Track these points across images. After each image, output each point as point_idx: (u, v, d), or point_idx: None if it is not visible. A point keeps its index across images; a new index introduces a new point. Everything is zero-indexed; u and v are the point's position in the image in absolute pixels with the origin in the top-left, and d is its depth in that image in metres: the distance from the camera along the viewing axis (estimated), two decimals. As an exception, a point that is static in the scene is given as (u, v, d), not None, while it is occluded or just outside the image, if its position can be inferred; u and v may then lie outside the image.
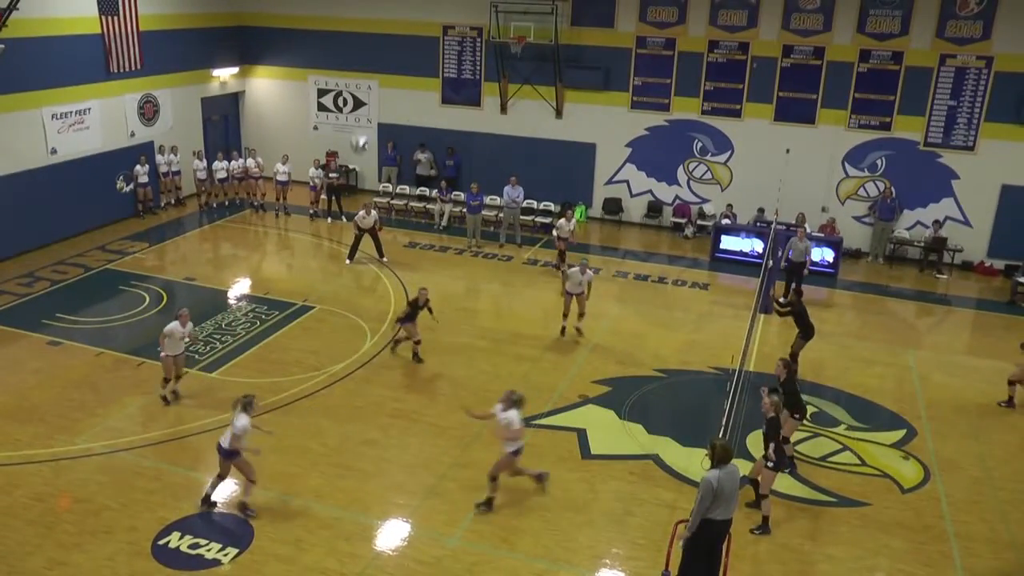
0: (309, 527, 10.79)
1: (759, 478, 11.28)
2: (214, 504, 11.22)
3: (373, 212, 20.83)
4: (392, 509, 11.33)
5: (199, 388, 14.28)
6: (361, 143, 15.18)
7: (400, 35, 25.86)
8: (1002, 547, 11.28)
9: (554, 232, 20.95)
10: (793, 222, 21.11)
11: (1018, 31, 20.97)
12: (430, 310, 15.80)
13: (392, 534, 10.85)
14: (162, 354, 13.49)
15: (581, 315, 17.03)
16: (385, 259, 20.94)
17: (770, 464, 11.07)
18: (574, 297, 16.86)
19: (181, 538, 10.51)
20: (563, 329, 17.00)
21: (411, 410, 13.81)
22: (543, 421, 13.71)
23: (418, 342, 15.54)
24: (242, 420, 10.85)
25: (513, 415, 11.14)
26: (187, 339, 13.81)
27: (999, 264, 22.20)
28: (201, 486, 11.56)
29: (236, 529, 10.74)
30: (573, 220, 20.81)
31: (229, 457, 10.95)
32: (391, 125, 26.62)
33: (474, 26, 25.18)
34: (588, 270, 17.00)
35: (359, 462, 12.33)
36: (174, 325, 13.46)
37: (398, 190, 25.96)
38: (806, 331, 15.47)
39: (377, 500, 11.54)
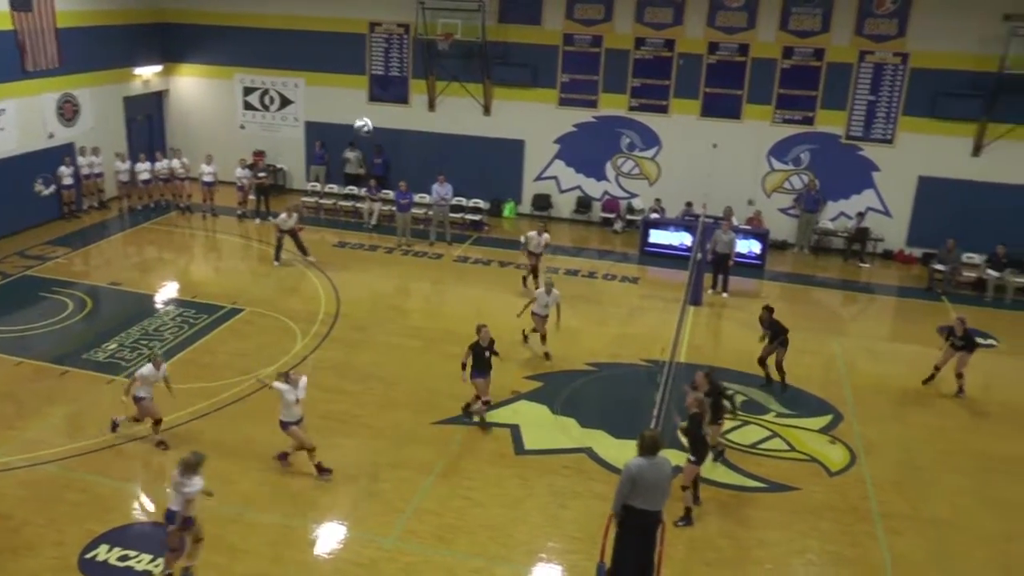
0: (242, 534, 10.64)
1: (685, 480, 11.46)
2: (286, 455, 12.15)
3: (295, 215, 20.68)
4: (326, 512, 11.24)
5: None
6: (364, 125, 14.18)
7: (326, 32, 25.59)
8: (923, 524, 11.69)
9: (522, 241, 19.67)
10: (721, 215, 21.48)
11: (931, 29, 21.68)
12: (495, 352, 13.44)
13: (327, 537, 10.77)
14: (141, 398, 12.39)
15: (544, 337, 16.10)
16: (311, 257, 20.76)
17: (692, 460, 11.30)
18: (542, 319, 15.93)
19: (110, 550, 10.26)
20: (525, 337, 16.43)
21: (344, 411, 13.70)
22: (477, 418, 13.69)
23: (487, 403, 13.47)
24: (146, 369, 12.27)
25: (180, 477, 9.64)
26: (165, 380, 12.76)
27: (917, 252, 22.90)
28: (132, 496, 11.39)
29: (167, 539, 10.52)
30: (545, 234, 19.42)
31: (284, 428, 11.88)
32: (319, 123, 26.35)
33: (401, 23, 25.04)
34: (554, 289, 15.98)
35: (292, 465, 12.18)
36: (148, 369, 12.43)
37: (327, 189, 25.69)
38: (782, 340, 15.11)
39: (311, 503, 11.43)
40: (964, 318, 15.55)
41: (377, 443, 12.83)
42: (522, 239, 19.62)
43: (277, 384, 11.79)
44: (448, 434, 13.22)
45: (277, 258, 20.54)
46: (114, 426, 12.78)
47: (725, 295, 19.85)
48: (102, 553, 10.22)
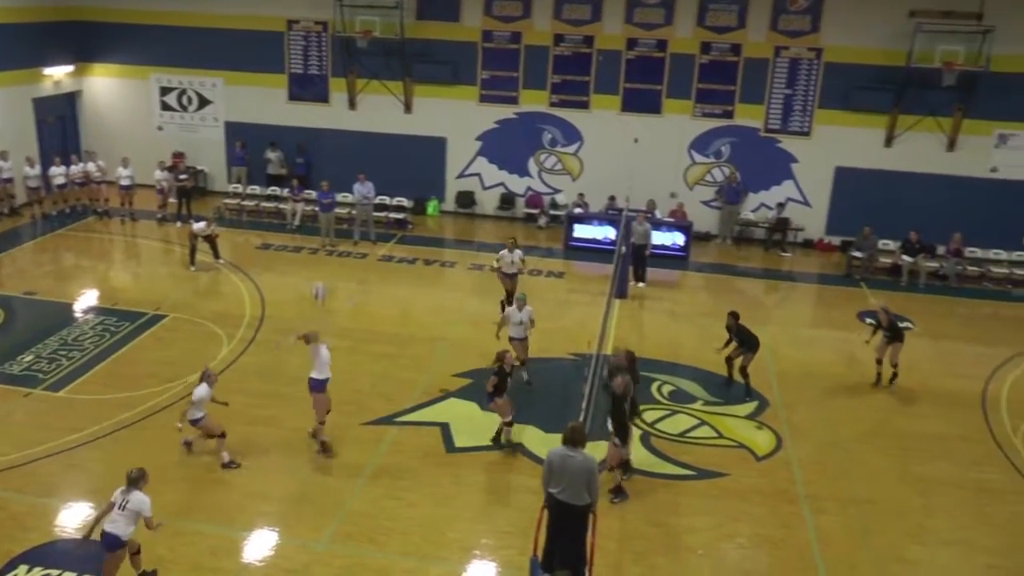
0: (170, 545, 10.37)
1: (611, 461, 11.76)
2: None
3: (214, 224, 20.50)
4: (257, 518, 11.07)
5: (44, 409, 13.52)
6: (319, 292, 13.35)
7: (244, 30, 25.19)
8: (846, 503, 12.05)
9: (495, 263, 17.91)
10: (644, 208, 21.76)
11: (842, 25, 22.41)
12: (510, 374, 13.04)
13: (258, 544, 10.60)
14: (201, 418, 11.99)
15: (523, 362, 14.94)
16: (220, 260, 20.52)
17: (617, 442, 11.57)
18: (519, 342, 14.76)
19: (29, 571, 9.91)
20: (525, 379, 15.08)
21: (271, 416, 13.50)
22: (405, 418, 13.69)
23: (509, 423, 12.94)
24: (201, 390, 11.85)
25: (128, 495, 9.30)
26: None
27: (836, 241, 23.58)
28: (52, 512, 11.00)
29: (91, 555, 10.16)
30: (517, 251, 17.65)
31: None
32: (239, 123, 25.91)
33: (319, 20, 24.78)
34: (526, 306, 14.83)
35: (220, 473, 11.97)
36: (204, 390, 11.97)
37: (248, 190, 25.27)
38: (751, 344, 15.02)
39: (241, 510, 11.24)
40: (886, 307, 15.87)
41: (306, 446, 12.68)
42: (494, 262, 17.97)
43: (322, 348, 12.27)
44: (378, 434, 13.13)
45: (192, 262, 20.17)
46: (188, 445, 12.41)
47: (642, 285, 20.12)
48: (21, 574, 9.86)
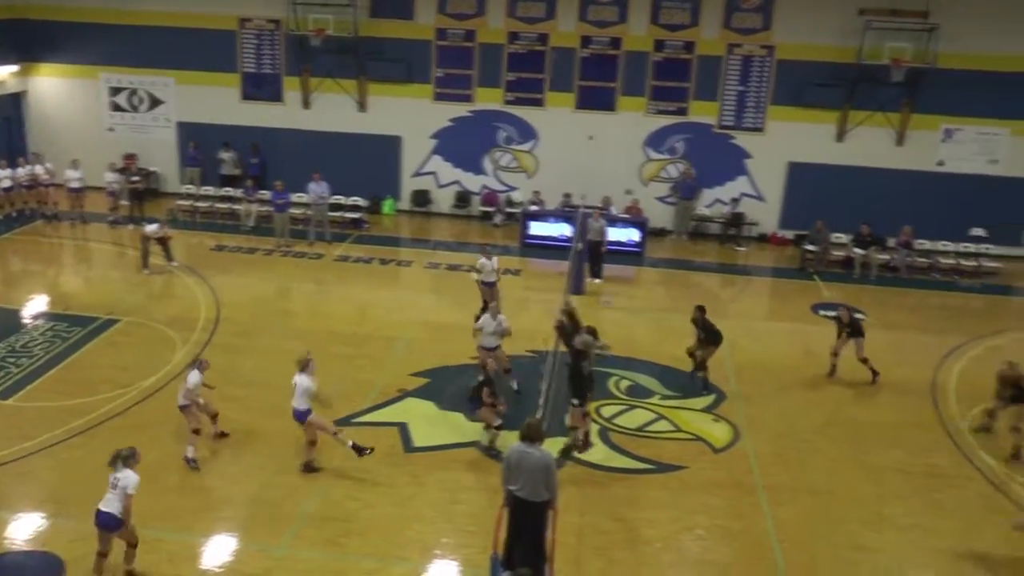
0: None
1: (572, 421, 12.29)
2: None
3: (166, 227, 20.24)
4: (216, 524, 10.95)
5: (-7, 416, 13.28)
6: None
7: (195, 28, 24.84)
8: (802, 492, 12.23)
9: (473, 276, 17.67)
10: (599, 205, 21.87)
11: (794, 22, 22.75)
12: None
13: (217, 550, 10.49)
14: (188, 405, 12.10)
15: (507, 370, 14.66)
16: (174, 263, 20.21)
17: (575, 402, 11.89)
18: (493, 352, 14.22)
19: (-22, 585, 9.75)
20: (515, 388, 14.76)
21: (228, 419, 13.31)
22: (363, 419, 13.63)
23: (500, 427, 12.81)
24: (194, 377, 11.98)
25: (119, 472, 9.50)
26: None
27: (790, 234, 23.87)
28: (2, 524, 10.75)
29: (44, 566, 9.98)
30: (495, 258, 17.38)
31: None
32: (191, 124, 25.57)
33: (271, 19, 24.55)
34: (500, 315, 14.44)
35: (177, 478, 11.83)
36: (196, 377, 12.10)
37: (202, 191, 24.95)
38: (714, 338, 15.10)
39: (199, 516, 11.12)
40: (847, 304, 16.14)
41: (265, 449, 12.57)
42: (473, 275, 17.79)
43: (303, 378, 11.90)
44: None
45: (145, 265, 19.87)
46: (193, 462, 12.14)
47: (598, 281, 20.24)
48: (-29, 586, 9.70)
